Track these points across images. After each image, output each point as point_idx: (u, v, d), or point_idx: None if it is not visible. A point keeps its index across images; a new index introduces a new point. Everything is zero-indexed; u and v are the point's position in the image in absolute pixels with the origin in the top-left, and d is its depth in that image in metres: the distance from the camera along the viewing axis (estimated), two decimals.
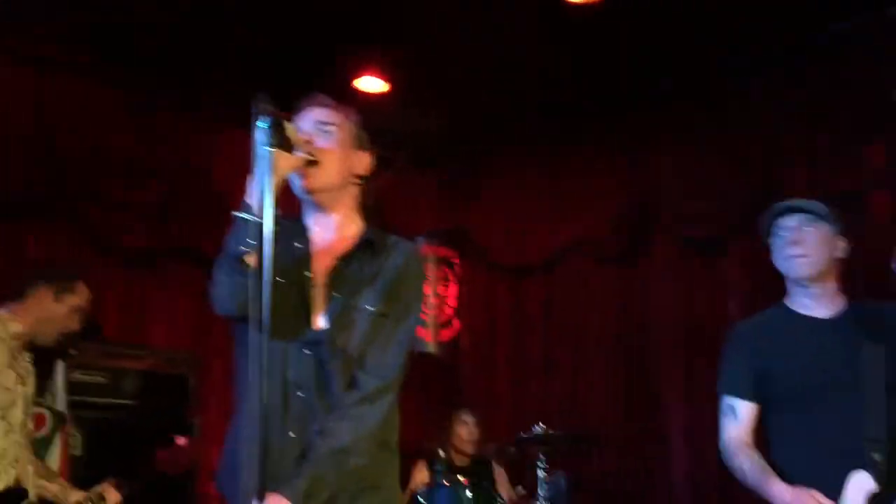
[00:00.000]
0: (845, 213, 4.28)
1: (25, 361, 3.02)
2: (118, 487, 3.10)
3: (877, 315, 2.56)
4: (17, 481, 2.92)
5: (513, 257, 5.87)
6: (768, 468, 2.51)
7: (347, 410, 1.93)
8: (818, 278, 2.57)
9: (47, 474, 3.15)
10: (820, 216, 2.59)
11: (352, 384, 1.96)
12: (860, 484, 2.39)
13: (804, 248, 2.55)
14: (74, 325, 3.07)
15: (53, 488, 3.09)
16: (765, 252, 4.62)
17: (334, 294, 2.02)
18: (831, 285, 2.60)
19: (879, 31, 4.20)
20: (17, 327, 2.94)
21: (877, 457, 2.37)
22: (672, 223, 5.06)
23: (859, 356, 2.46)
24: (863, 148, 4.31)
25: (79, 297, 3.05)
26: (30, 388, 3.02)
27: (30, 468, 3.00)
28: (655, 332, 5.08)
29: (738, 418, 2.61)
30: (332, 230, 2.13)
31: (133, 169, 4.79)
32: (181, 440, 3.25)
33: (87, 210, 4.62)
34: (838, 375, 2.48)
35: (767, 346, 2.61)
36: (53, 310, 2.98)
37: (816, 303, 2.59)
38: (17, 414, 2.93)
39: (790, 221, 2.59)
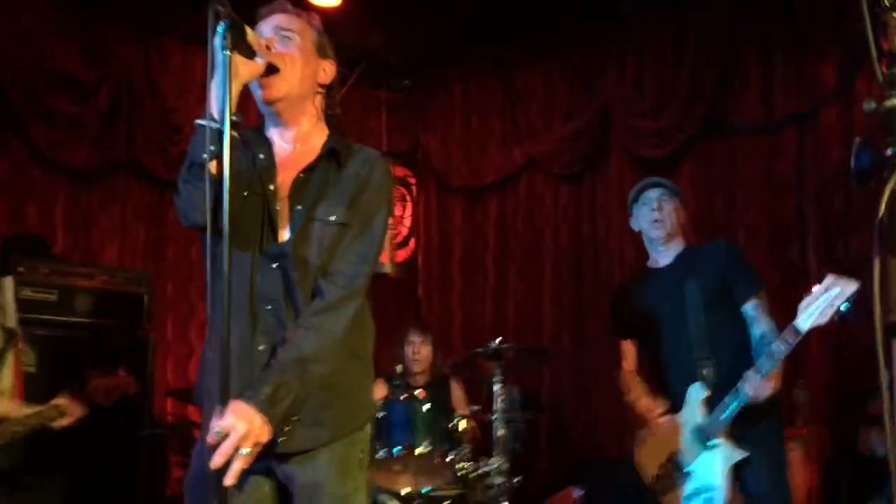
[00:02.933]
0: (798, 133, 4.42)
1: None
2: (74, 400, 3.10)
3: (696, 253, 3.20)
4: None
5: (467, 177, 5.87)
6: (631, 383, 3.30)
7: (309, 319, 1.93)
8: (667, 239, 3.21)
9: None
10: (673, 192, 3.24)
11: (315, 293, 1.97)
12: (696, 394, 3.00)
13: (661, 214, 3.19)
14: None
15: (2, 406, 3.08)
16: (714, 171, 4.74)
17: (296, 206, 2.00)
18: (675, 242, 3.23)
19: None
20: None
21: (705, 371, 2.98)
22: (625, 141, 5.09)
23: (682, 290, 3.07)
24: (814, 68, 4.35)
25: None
26: None
27: None
28: (608, 249, 5.16)
29: (623, 352, 3.40)
30: (295, 141, 2.09)
31: (78, 83, 4.62)
32: (119, 372, 3.25)
33: (32, 126, 4.47)
34: (671, 309, 3.09)
35: (630, 297, 3.34)
36: None
37: (661, 257, 3.25)
38: None
39: (652, 194, 3.23)
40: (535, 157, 5.51)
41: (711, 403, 2.95)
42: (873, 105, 1.04)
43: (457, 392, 4.61)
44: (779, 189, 4.53)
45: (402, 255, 5.97)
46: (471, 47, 5.59)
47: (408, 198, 6.02)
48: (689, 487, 3.01)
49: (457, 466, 3.74)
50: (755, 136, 4.64)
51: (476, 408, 4.12)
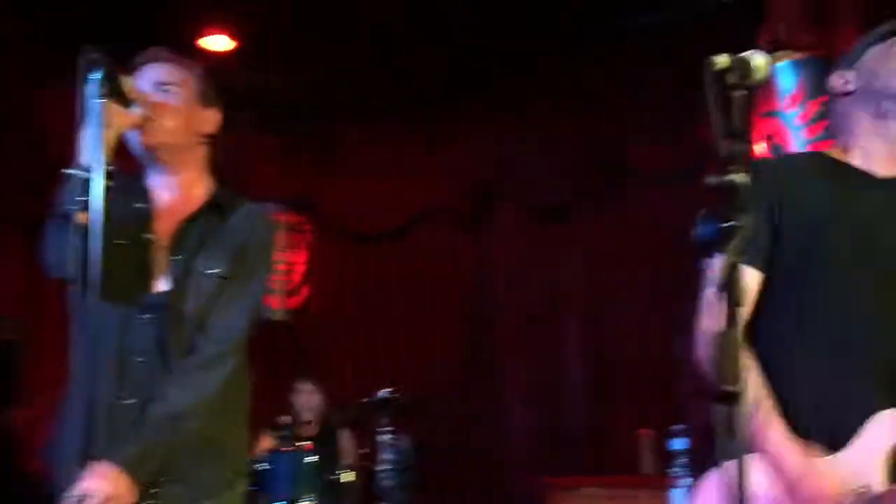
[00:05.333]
0: (686, 190, 4.59)
1: None
2: None
3: None
4: None
5: (361, 225, 5.87)
6: (772, 405, 1.59)
7: (184, 376, 1.88)
8: None
9: None
10: None
11: (190, 348, 1.92)
12: (887, 425, 1.53)
13: None
14: None
15: None
16: (605, 221, 4.88)
17: (175, 256, 1.96)
18: None
19: (716, 15, 4.43)
20: None
21: None
22: (517, 192, 5.20)
23: None
24: (695, 126, 4.56)
25: None
26: None
27: None
28: (498, 297, 5.23)
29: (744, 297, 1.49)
30: (176, 190, 2.04)
31: None
32: None
33: None
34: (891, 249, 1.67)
35: (795, 195, 1.71)
36: None
37: (887, 157, 1.73)
38: None
39: None
40: (428, 206, 5.56)
41: None
42: (715, 179, 1.10)
43: (344, 440, 4.56)
44: (675, 241, 4.70)
45: (293, 302, 5.89)
46: (364, 93, 5.63)
47: (301, 244, 5.97)
48: None
49: None
50: (641, 190, 4.81)
51: (362, 460, 4.05)
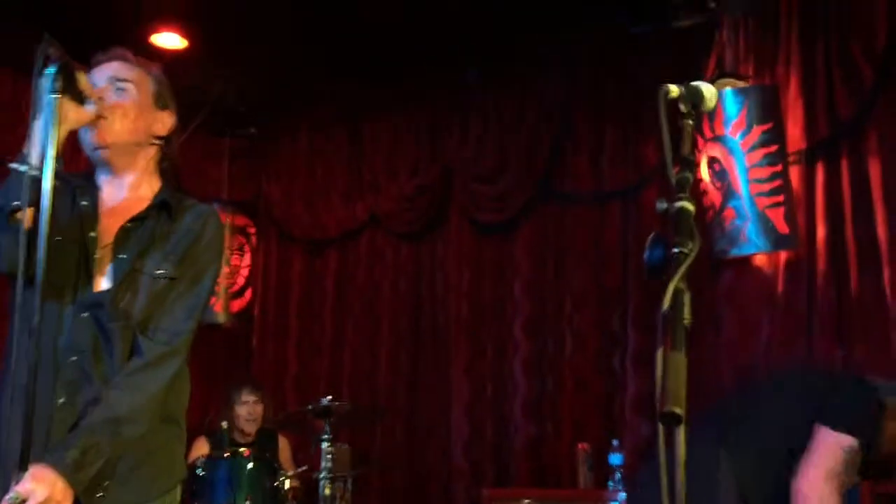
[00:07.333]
0: (623, 207, 4.68)
1: None
2: None
3: None
4: None
5: (308, 229, 5.84)
6: None
7: (127, 378, 1.85)
8: None
9: None
10: None
11: (133, 350, 1.89)
12: None
13: None
14: None
15: None
16: (548, 238, 4.94)
17: (120, 255, 1.93)
18: None
19: (669, 39, 4.53)
20: None
21: None
22: (465, 204, 5.24)
23: None
24: (641, 146, 4.65)
25: None
26: None
27: None
28: (445, 308, 5.25)
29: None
30: (124, 190, 2.02)
31: None
32: None
33: None
34: None
35: None
36: None
37: None
38: None
39: None
40: (378, 214, 5.56)
41: None
42: (665, 205, 1.14)
43: (284, 447, 4.52)
44: (605, 259, 4.79)
45: (237, 305, 5.83)
46: (315, 96, 5.61)
47: (246, 247, 5.91)
48: None
49: None
50: (585, 206, 4.88)
51: (303, 468, 4.03)
